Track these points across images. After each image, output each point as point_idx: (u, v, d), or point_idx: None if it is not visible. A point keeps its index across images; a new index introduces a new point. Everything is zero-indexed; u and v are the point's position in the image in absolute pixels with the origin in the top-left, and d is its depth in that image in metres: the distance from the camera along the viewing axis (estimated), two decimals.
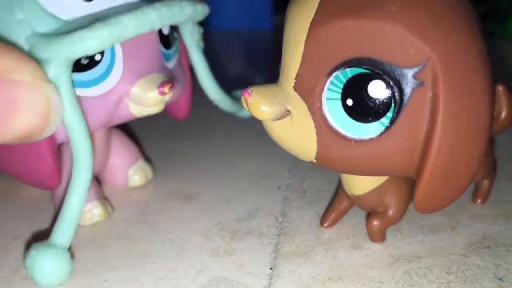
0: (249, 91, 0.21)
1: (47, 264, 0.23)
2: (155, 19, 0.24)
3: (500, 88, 0.26)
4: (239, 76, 0.57)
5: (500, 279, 0.23)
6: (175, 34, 0.29)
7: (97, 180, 0.31)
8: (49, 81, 0.19)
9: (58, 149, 0.26)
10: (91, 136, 0.24)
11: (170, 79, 0.26)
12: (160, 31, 0.27)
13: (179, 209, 0.30)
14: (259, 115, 0.21)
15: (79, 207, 0.24)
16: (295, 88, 0.21)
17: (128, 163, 0.33)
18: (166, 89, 0.25)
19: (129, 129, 0.39)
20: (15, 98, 0.17)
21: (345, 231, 0.27)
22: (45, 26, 0.23)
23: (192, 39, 0.30)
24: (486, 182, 0.29)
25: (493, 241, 0.26)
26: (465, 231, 0.27)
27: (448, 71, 0.19)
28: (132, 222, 0.29)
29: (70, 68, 0.22)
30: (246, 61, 0.66)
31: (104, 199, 0.30)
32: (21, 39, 0.22)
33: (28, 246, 0.26)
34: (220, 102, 0.32)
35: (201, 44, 0.30)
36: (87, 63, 0.24)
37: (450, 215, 0.28)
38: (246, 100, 0.21)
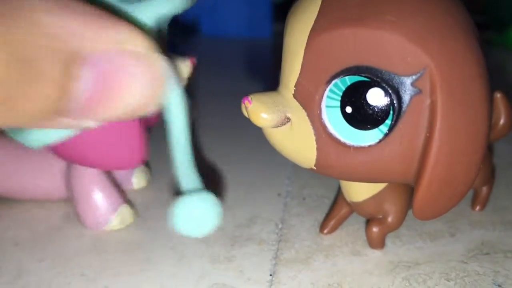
0: (249, 98, 0.21)
1: (196, 209, 0.22)
2: None
3: (498, 95, 0.26)
4: (239, 84, 0.57)
5: (499, 286, 0.23)
6: None
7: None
8: (161, 53, 0.18)
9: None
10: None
11: None
12: None
13: None
14: (259, 122, 0.21)
15: (188, 150, 0.23)
16: (294, 95, 0.21)
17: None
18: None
19: None
20: (130, 70, 0.17)
21: (344, 238, 0.27)
22: None
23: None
24: (484, 189, 0.30)
25: (492, 248, 0.26)
26: (464, 238, 0.27)
27: (445, 79, 0.19)
28: (132, 229, 0.29)
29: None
30: (246, 69, 0.66)
31: (127, 203, 0.30)
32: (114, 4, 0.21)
33: (29, 253, 0.27)
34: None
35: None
36: None
37: (449, 222, 0.28)
38: (246, 108, 0.21)
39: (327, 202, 0.31)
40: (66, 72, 0.15)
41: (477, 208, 0.30)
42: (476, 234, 0.27)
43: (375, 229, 0.25)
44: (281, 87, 0.22)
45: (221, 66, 0.65)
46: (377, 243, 0.26)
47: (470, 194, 0.30)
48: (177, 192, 0.23)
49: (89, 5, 0.16)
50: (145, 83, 0.17)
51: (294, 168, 0.35)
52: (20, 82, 0.14)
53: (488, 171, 0.29)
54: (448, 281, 0.24)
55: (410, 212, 0.24)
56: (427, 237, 0.27)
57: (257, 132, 0.23)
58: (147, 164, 0.35)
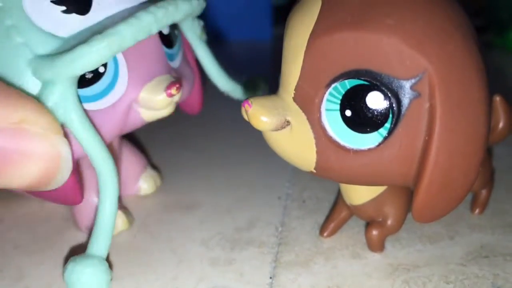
0: (249, 102, 0.21)
1: (86, 275, 0.23)
2: (152, 23, 0.23)
3: (497, 99, 0.26)
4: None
5: None
6: (176, 32, 0.28)
7: None
8: (61, 134, 0.19)
9: (77, 164, 0.26)
10: (109, 147, 0.24)
11: (177, 80, 0.26)
12: (160, 32, 0.26)
13: (179, 219, 0.30)
14: (259, 125, 0.21)
15: (112, 216, 0.24)
16: (294, 99, 0.22)
17: (138, 172, 0.33)
18: (173, 90, 0.25)
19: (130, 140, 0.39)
20: (25, 149, 0.17)
21: (344, 241, 0.27)
22: (45, 47, 0.22)
23: (193, 33, 0.29)
24: (484, 192, 0.30)
25: (491, 251, 0.26)
26: (463, 241, 0.27)
27: (444, 83, 0.19)
28: (133, 232, 0.29)
29: (75, 86, 0.22)
30: (246, 71, 0.66)
31: (125, 209, 0.30)
32: (23, 63, 0.22)
33: (29, 255, 0.27)
34: (231, 92, 0.32)
35: (204, 37, 0.30)
36: (92, 77, 0.24)
37: (448, 225, 0.28)
38: (246, 111, 0.21)
39: (327, 205, 0.31)
40: None
41: (477, 211, 0.30)
42: (475, 237, 0.27)
43: (374, 232, 0.25)
44: (281, 90, 0.22)
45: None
46: (377, 246, 0.26)
47: (469, 197, 0.30)
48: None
49: None
50: (39, 162, 0.17)
51: (294, 171, 0.35)
52: None
53: (488, 174, 0.29)
54: (447, 284, 0.24)
55: (409, 215, 0.24)
56: (426, 240, 0.27)
57: (257, 135, 0.23)
58: (156, 168, 0.35)
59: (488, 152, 0.29)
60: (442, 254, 0.26)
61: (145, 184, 0.33)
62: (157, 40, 0.26)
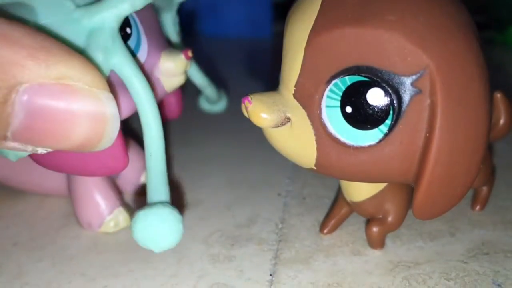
0: (249, 98, 0.21)
1: (155, 224, 0.22)
2: None
3: (498, 95, 0.26)
4: (239, 83, 0.57)
5: (499, 285, 0.23)
6: None
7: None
8: (107, 90, 0.18)
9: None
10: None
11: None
12: None
13: None
14: (259, 122, 0.21)
15: (163, 166, 0.24)
16: (294, 95, 0.21)
17: (140, 168, 0.33)
18: (189, 52, 0.27)
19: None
20: (70, 107, 0.16)
21: (344, 238, 0.27)
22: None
23: (173, 29, 0.31)
24: (484, 189, 0.30)
25: (492, 248, 0.26)
26: (464, 238, 0.27)
27: (445, 79, 0.19)
28: None
29: (119, 35, 0.22)
30: (246, 68, 0.66)
31: (127, 205, 0.30)
32: (68, 14, 0.22)
33: (28, 252, 0.27)
34: (204, 88, 0.33)
35: (180, 34, 0.32)
36: (123, 35, 0.24)
37: (449, 221, 0.28)
38: (246, 108, 0.21)
39: (327, 202, 0.31)
40: (1, 101, 0.15)
41: (477, 207, 0.30)
42: (476, 234, 0.27)
43: (375, 229, 0.25)
44: (281, 87, 0.22)
45: (220, 66, 0.65)
46: (377, 243, 0.26)
47: (470, 193, 0.30)
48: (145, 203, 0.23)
49: (40, 35, 0.16)
50: (86, 121, 0.17)
51: (294, 168, 0.35)
52: None
53: (488, 170, 0.29)
54: (448, 280, 0.24)
55: (410, 212, 0.24)
56: (427, 237, 0.27)
57: (257, 132, 0.23)
58: None
59: (489, 148, 0.29)
60: (443, 251, 0.26)
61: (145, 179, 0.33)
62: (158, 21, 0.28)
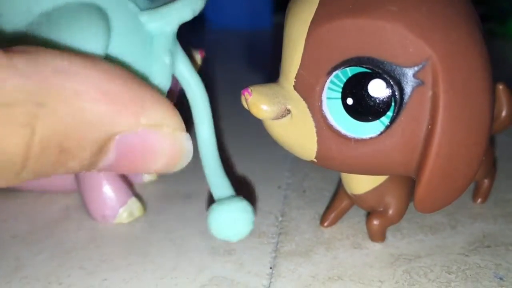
0: (249, 90, 0.21)
1: (228, 216, 0.25)
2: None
3: (500, 87, 0.26)
4: (239, 75, 0.57)
5: (501, 278, 0.23)
6: None
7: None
8: (185, 131, 0.20)
9: None
10: None
11: None
12: None
13: (179, 208, 0.30)
14: (259, 114, 0.21)
15: (218, 158, 0.26)
16: (295, 87, 0.21)
17: None
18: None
19: None
20: (156, 149, 0.19)
21: (345, 231, 0.27)
22: (144, 4, 0.23)
23: None
24: (486, 181, 0.29)
25: (493, 240, 0.26)
26: (465, 231, 0.27)
27: (448, 71, 0.19)
28: (132, 222, 0.29)
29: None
30: (246, 60, 0.66)
31: (138, 196, 0.30)
32: (130, 17, 0.22)
33: (27, 245, 0.26)
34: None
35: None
36: None
37: (450, 214, 0.28)
38: (246, 99, 0.21)
39: (328, 195, 0.31)
40: (96, 154, 0.17)
41: (479, 200, 0.30)
42: (477, 226, 0.27)
43: (375, 222, 0.25)
44: (282, 79, 0.22)
45: (221, 57, 0.64)
46: (378, 236, 0.26)
47: (471, 186, 0.30)
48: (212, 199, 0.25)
49: (133, 84, 0.18)
50: (166, 158, 0.19)
51: (294, 161, 0.35)
52: (52, 164, 0.16)
53: (490, 163, 0.29)
54: (449, 274, 0.24)
55: (411, 205, 0.24)
56: (428, 230, 0.27)
57: (257, 124, 0.23)
58: None
59: (491, 141, 0.29)
60: (444, 244, 0.26)
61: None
62: None
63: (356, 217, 0.28)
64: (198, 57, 0.27)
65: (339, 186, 0.27)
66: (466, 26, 0.20)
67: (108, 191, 0.28)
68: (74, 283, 0.24)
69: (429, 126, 0.20)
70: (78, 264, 0.25)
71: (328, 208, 0.28)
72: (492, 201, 0.30)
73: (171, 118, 0.19)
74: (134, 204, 0.29)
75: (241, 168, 0.35)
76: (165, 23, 0.22)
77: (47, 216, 0.29)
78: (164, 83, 0.23)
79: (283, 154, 0.27)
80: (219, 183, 0.26)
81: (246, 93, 0.21)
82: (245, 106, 0.21)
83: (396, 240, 0.26)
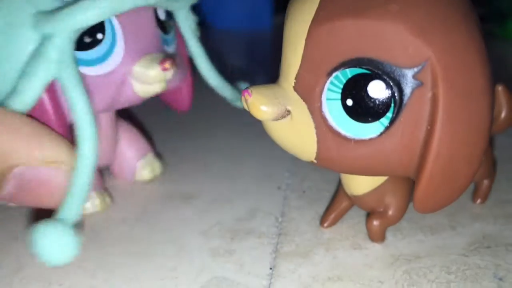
0: (249, 91, 0.21)
1: (50, 239, 0.22)
2: None
3: (500, 88, 0.26)
4: (239, 76, 0.57)
5: (500, 279, 0.23)
6: (172, 23, 0.29)
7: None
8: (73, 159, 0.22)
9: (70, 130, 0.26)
10: (98, 120, 0.24)
11: (170, 57, 0.27)
12: (156, 16, 0.27)
13: (179, 209, 0.30)
14: (259, 115, 0.21)
15: (86, 185, 0.23)
16: (295, 88, 0.21)
17: (136, 156, 0.33)
18: (167, 64, 0.26)
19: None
20: (52, 184, 0.21)
21: (345, 231, 0.27)
22: (48, 4, 0.23)
23: (188, 27, 0.30)
24: (486, 182, 0.29)
25: (493, 241, 0.26)
26: (465, 231, 0.27)
27: (447, 72, 0.19)
28: (132, 222, 0.29)
29: (73, 44, 0.23)
30: (246, 61, 0.66)
31: (103, 190, 0.30)
32: (25, 17, 0.22)
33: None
34: (220, 89, 0.33)
35: (197, 33, 0.31)
36: (90, 42, 0.25)
37: (450, 215, 0.28)
38: (246, 100, 0.21)
39: (328, 195, 0.31)
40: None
41: (478, 201, 0.30)
42: (477, 227, 0.27)
43: (375, 223, 0.25)
44: (281, 80, 0.22)
45: (221, 58, 0.64)
46: (378, 237, 0.26)
47: (471, 187, 0.30)
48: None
49: (34, 123, 0.21)
50: (60, 191, 0.21)
51: (294, 161, 0.35)
52: None
53: (490, 164, 0.29)
54: (448, 274, 0.24)
55: (410, 205, 0.24)
56: (427, 230, 0.27)
57: (257, 125, 0.23)
58: (159, 156, 0.35)
59: (490, 142, 0.29)
60: (444, 245, 0.26)
61: (142, 170, 0.33)
62: (153, 22, 0.27)
63: (356, 217, 0.28)
64: (156, 67, 0.26)
65: (339, 187, 0.27)
66: (465, 27, 0.20)
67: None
68: (74, 283, 0.24)
69: (429, 127, 0.20)
70: (78, 264, 0.25)
71: (328, 209, 0.28)
72: (492, 202, 0.30)
73: (69, 157, 0.21)
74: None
75: (240, 169, 0.35)
76: (53, 27, 0.22)
77: (47, 216, 0.29)
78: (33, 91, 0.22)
79: (283, 155, 0.27)
80: (71, 204, 0.23)
81: (246, 94, 0.21)
82: (245, 106, 0.21)
83: (396, 240, 0.26)
